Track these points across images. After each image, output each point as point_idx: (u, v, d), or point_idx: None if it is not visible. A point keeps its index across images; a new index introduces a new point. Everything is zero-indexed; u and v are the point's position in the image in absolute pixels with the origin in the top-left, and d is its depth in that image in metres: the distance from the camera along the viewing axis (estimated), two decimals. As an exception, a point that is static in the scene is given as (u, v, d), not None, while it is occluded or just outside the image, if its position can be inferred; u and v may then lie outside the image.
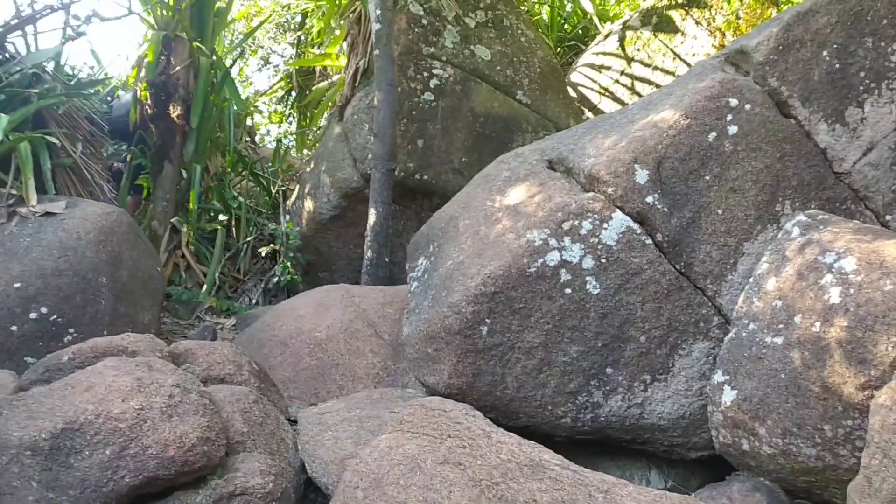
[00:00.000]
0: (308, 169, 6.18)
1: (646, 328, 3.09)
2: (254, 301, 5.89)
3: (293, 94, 11.88)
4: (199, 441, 2.31)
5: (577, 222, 3.08)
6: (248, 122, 10.92)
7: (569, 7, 10.34)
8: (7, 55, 4.72)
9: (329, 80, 7.01)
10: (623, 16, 9.01)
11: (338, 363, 3.96)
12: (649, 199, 3.09)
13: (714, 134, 3.16)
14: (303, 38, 10.63)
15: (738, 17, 7.65)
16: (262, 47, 12.43)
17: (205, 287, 6.15)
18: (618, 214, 3.09)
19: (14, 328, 3.53)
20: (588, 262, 3.07)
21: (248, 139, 11.46)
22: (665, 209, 3.10)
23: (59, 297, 3.61)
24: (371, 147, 5.40)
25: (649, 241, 3.09)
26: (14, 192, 4.03)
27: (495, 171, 3.61)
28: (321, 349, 4.00)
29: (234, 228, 6.69)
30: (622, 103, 8.02)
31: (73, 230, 3.81)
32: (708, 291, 3.12)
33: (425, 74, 5.88)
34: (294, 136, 10.82)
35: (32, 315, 3.55)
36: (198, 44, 6.64)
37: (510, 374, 3.12)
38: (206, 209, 6.96)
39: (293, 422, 3.26)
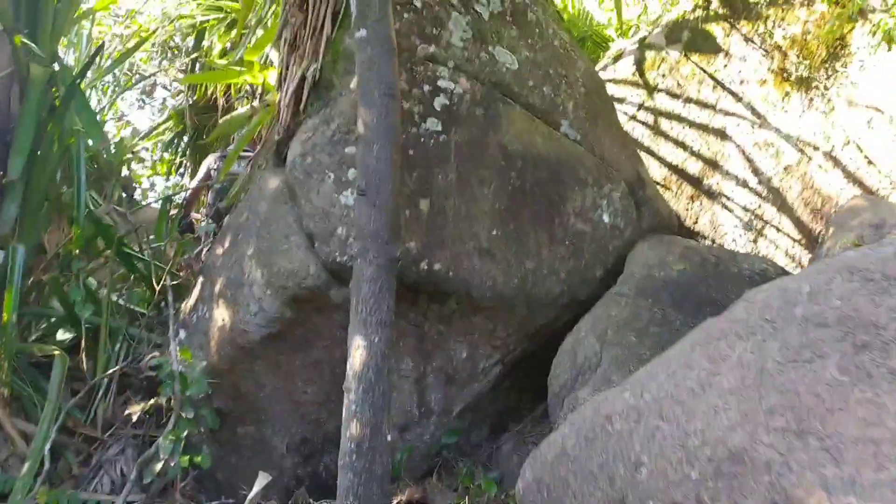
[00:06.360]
0: (219, 251, 3.53)
1: None
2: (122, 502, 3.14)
3: (186, 136, 9.13)
4: None
5: None
6: (124, 171, 8.15)
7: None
8: None
9: (251, 105, 4.41)
10: (632, 30, 6.93)
11: None
12: None
13: None
14: (200, 62, 8.01)
15: (805, 33, 5.62)
16: (144, 76, 9.63)
17: (27, 465, 3.35)
18: None
19: None
20: None
21: (123, 194, 8.62)
22: None
23: None
24: (350, 215, 2.87)
25: None
26: None
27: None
28: None
29: (86, 349, 3.90)
30: (642, 147, 5.84)
31: None
32: None
33: (427, 88, 3.43)
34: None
35: None
36: (25, 40, 3.95)
37: None
38: (38, 316, 4.14)
39: None
